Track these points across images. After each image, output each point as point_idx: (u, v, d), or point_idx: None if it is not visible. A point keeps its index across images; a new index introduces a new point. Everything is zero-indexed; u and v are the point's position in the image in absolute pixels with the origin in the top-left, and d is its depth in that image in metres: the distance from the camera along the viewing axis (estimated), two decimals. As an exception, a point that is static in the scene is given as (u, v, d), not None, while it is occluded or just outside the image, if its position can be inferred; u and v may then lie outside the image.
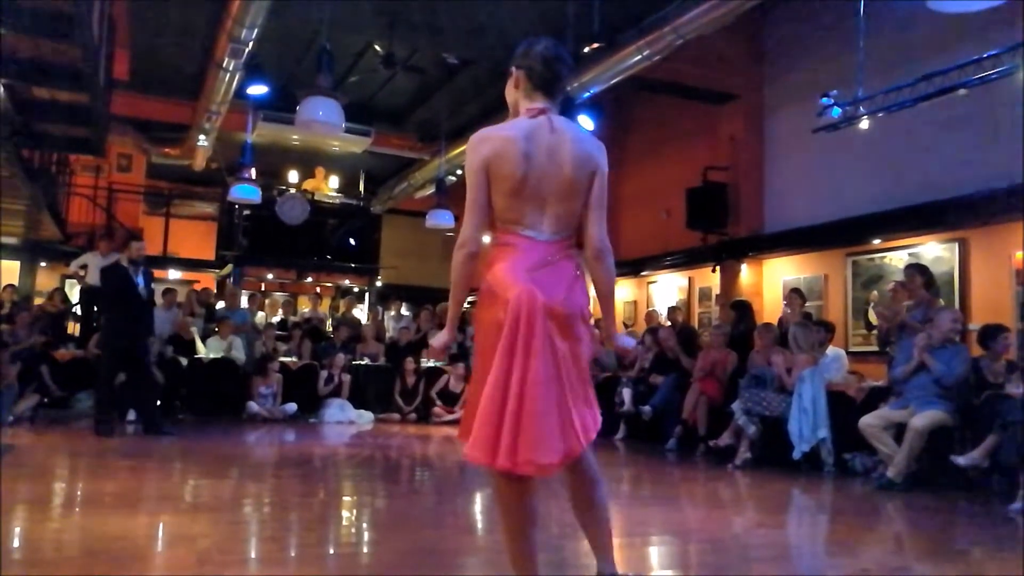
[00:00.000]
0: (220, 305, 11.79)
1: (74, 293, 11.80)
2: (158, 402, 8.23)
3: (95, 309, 10.50)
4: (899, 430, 5.80)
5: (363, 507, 4.62)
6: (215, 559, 3.13)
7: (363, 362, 10.81)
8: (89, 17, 6.09)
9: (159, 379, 8.56)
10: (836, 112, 7.33)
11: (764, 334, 7.46)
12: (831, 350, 7.48)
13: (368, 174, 15.83)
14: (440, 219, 12.28)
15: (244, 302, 12.12)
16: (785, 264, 10.41)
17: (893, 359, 6.35)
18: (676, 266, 12.06)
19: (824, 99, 7.36)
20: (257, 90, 9.27)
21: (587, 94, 9.07)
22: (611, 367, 9.53)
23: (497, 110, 11.77)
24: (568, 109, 8.73)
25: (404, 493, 5.28)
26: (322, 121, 8.20)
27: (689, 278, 11.98)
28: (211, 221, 15.97)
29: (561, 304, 2.30)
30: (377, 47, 10.25)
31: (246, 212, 13.94)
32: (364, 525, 4.20)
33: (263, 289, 15.22)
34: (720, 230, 10.76)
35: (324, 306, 13.94)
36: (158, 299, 10.00)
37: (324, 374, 10.10)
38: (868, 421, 5.96)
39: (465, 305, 2.47)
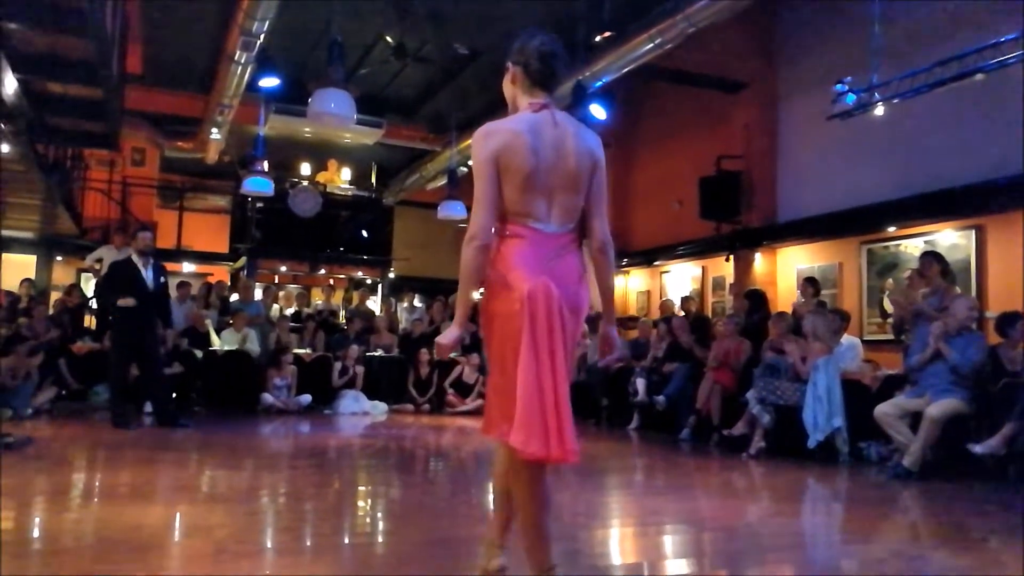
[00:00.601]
0: (234, 298, 11.85)
1: (90, 287, 11.88)
2: (172, 394, 8.31)
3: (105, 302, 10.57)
4: (915, 419, 5.76)
5: (378, 497, 4.64)
6: (231, 549, 3.16)
7: (377, 354, 10.85)
8: (102, 12, 6.13)
9: (174, 371, 8.63)
10: (851, 99, 7.25)
11: (778, 323, 7.43)
12: (846, 339, 7.44)
13: (380, 166, 15.84)
14: (452, 210, 12.27)
15: (258, 294, 12.17)
16: (799, 253, 10.35)
17: (908, 347, 6.31)
18: (690, 256, 12.01)
19: (838, 86, 7.29)
20: (269, 83, 9.27)
21: (598, 83, 9.03)
22: (625, 357, 9.52)
23: (504, 103, 11.72)
24: (580, 99, 8.71)
25: (419, 483, 5.30)
26: (334, 113, 8.21)
27: (703, 267, 11.94)
28: (224, 214, 16.03)
29: (572, 299, 2.35)
30: (388, 38, 10.24)
31: (259, 205, 13.98)
32: (379, 515, 4.22)
33: (276, 281, 15.27)
34: (734, 219, 10.71)
35: (337, 298, 13.97)
36: (172, 292, 10.07)
37: (338, 366, 10.15)
38: (884, 410, 5.92)
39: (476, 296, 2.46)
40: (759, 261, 10.56)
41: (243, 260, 14.41)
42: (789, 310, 8.20)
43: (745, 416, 6.88)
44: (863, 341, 8.27)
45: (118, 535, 3.31)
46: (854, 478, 5.88)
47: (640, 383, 8.59)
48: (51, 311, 10.56)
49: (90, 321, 10.99)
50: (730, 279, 11.07)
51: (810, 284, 8.20)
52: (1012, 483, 5.42)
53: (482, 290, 2.46)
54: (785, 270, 10.46)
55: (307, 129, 12.30)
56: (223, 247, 15.37)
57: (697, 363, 8.18)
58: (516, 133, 2.36)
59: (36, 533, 3.52)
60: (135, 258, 7.34)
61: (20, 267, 13.40)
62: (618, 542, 3.77)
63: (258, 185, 11.03)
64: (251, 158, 11.24)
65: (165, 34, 10.84)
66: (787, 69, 10.58)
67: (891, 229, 9.00)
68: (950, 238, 8.35)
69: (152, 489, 4.54)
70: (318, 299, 14.33)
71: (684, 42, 8.21)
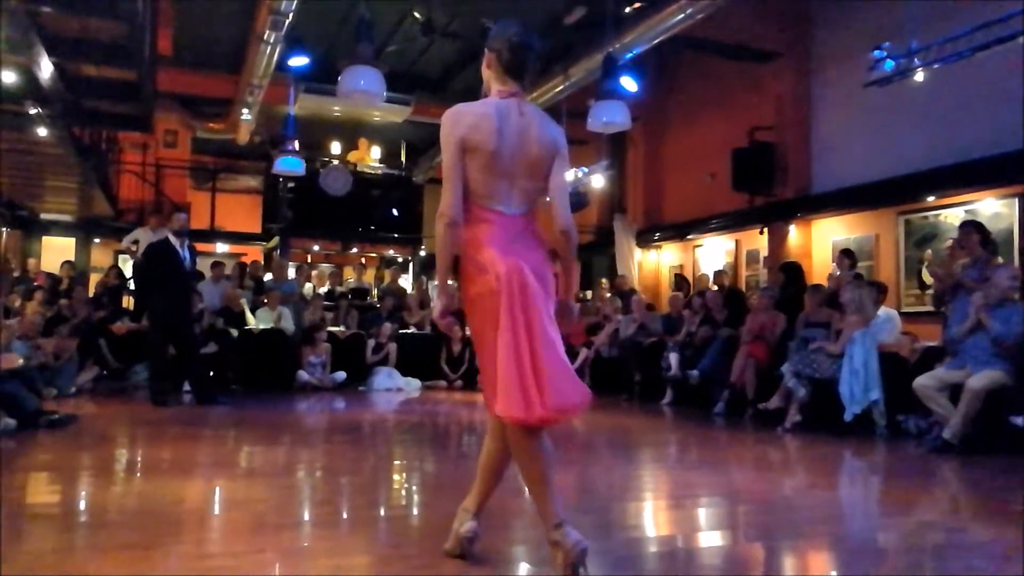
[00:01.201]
0: (268, 277, 11.97)
1: (127, 268, 12.08)
2: (209, 373, 8.44)
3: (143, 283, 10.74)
4: (954, 391, 5.66)
5: (412, 471, 4.68)
6: (271, 522, 3.21)
7: (409, 331, 10.92)
8: (132, -8, 6.17)
9: (209, 350, 8.77)
10: (889, 65, 7.08)
11: (814, 296, 7.34)
12: (883, 311, 7.31)
13: (409, 144, 15.83)
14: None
15: (291, 273, 12.29)
16: (834, 224, 10.19)
17: (948, 319, 6.19)
18: (722, 229, 11.89)
19: (876, 52, 7.12)
20: (298, 62, 9.28)
21: (629, 55, 8.92)
22: (656, 332, 9.48)
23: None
24: (610, 71, 8.61)
25: (452, 458, 5.34)
26: (364, 91, 8.19)
27: (736, 241, 11.81)
28: (256, 194, 16.18)
29: (540, 273, 2.51)
30: (416, 14, 10.19)
31: (290, 185, 14.07)
32: (414, 489, 4.26)
33: (309, 260, 15.41)
34: (767, 191, 10.57)
35: (369, 276, 14.07)
36: (205, 272, 10.21)
37: (372, 343, 10.24)
38: (923, 382, 5.83)
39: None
40: (793, 233, 10.41)
41: (276, 240, 14.55)
42: (824, 283, 8.08)
43: (780, 390, 6.82)
44: (901, 313, 8.14)
45: (161, 508, 3.38)
46: (892, 451, 5.81)
47: (673, 358, 8.54)
48: (90, 292, 10.76)
49: (128, 302, 11.18)
50: (764, 252, 10.94)
51: (846, 256, 8.07)
52: (1056, 456, 5.32)
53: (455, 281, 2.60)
54: (820, 242, 10.31)
55: (336, 108, 12.33)
56: (256, 227, 15.52)
57: (731, 338, 8.11)
58: (483, 116, 2.53)
59: (83, 506, 3.61)
60: (171, 239, 7.44)
61: (60, 250, 13.67)
62: (651, 515, 3.76)
63: (290, 165, 11.09)
64: (282, 138, 11.29)
65: (194, 15, 10.89)
66: (821, 37, 10.36)
67: (930, 199, 8.82)
68: (992, 207, 8.15)
69: (192, 464, 4.62)
70: (349, 277, 14.44)
71: (715, 12, 8.06)
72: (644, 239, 13.45)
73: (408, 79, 12.36)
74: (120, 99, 8.85)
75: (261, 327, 9.88)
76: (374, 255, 16.04)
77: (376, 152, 15.85)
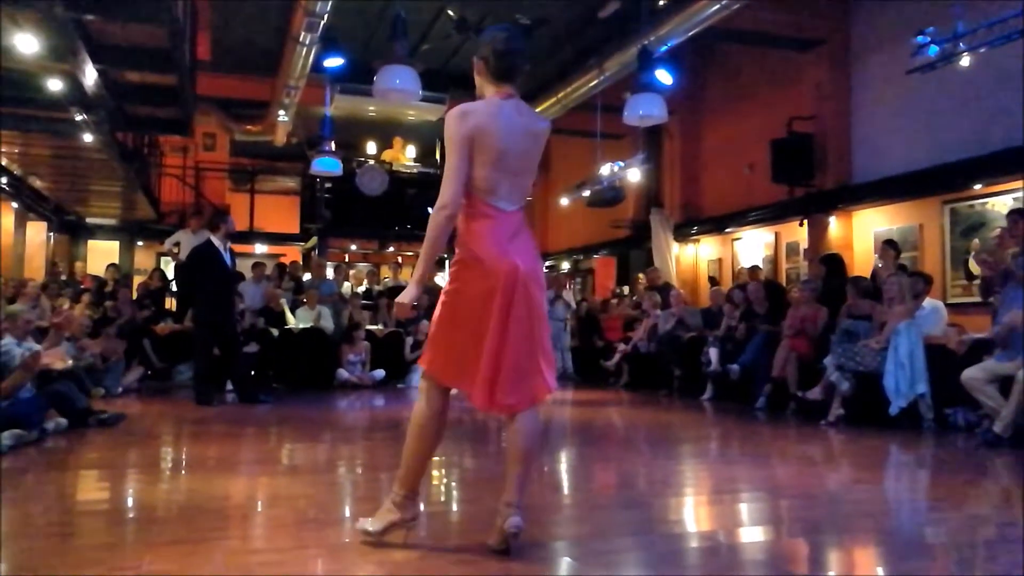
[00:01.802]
0: (307, 277, 12.10)
1: (170, 270, 12.31)
2: (251, 372, 8.57)
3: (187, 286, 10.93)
4: (1004, 383, 5.52)
5: (452, 467, 4.70)
6: (313, 517, 3.25)
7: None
8: (173, -1, 6.26)
9: (251, 350, 8.89)
10: (933, 51, 6.91)
11: (856, 287, 7.20)
12: (928, 302, 7.15)
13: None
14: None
15: (330, 273, 12.40)
16: (876, 215, 9.99)
17: (997, 310, 6.04)
18: (762, 221, 11.72)
19: (920, 37, 6.96)
20: (333, 63, 9.35)
21: (664, 48, 8.84)
22: (695, 326, 9.39)
23: (569, 71, 11.64)
24: (645, 64, 8.54)
25: (492, 453, 5.34)
26: (400, 89, 8.22)
27: (776, 233, 11.63)
28: (294, 195, 16.37)
29: (533, 270, 2.68)
30: (450, 12, 10.21)
31: (327, 185, 14.20)
32: (454, 484, 4.28)
33: (347, 260, 15.54)
34: (807, 182, 10.39)
35: (405, 275, 14.13)
36: (246, 273, 10.35)
37: (410, 340, 10.30)
38: (972, 374, 5.69)
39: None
40: (834, 225, 10.23)
41: (314, 240, 14.70)
42: (866, 274, 7.93)
43: (823, 382, 6.71)
44: (947, 304, 7.95)
45: (207, 504, 3.43)
46: (940, 445, 5.69)
47: (713, 352, 8.46)
48: (134, 294, 10.98)
49: (171, 303, 11.39)
50: (804, 244, 10.77)
51: (890, 247, 7.90)
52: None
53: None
54: (862, 233, 10.12)
55: (371, 108, 12.39)
56: (294, 228, 15.71)
57: (772, 332, 8.00)
58: (490, 115, 2.65)
59: (131, 503, 3.69)
60: (215, 241, 7.55)
61: (105, 253, 13.99)
62: (692, 509, 3.73)
63: (327, 165, 11.19)
64: (318, 139, 11.39)
65: (231, 19, 11.04)
66: (861, 24, 10.15)
67: (977, 186, 8.59)
68: (1041, 194, 7.92)
69: (236, 461, 4.69)
70: (386, 276, 14.53)
71: (751, 1, 7.95)
72: (681, 233, 13.32)
73: (442, 77, 12.37)
74: (161, 104, 9.00)
75: (301, 326, 9.99)
76: (410, 253, 16.12)
77: (411, 151, 15.92)
